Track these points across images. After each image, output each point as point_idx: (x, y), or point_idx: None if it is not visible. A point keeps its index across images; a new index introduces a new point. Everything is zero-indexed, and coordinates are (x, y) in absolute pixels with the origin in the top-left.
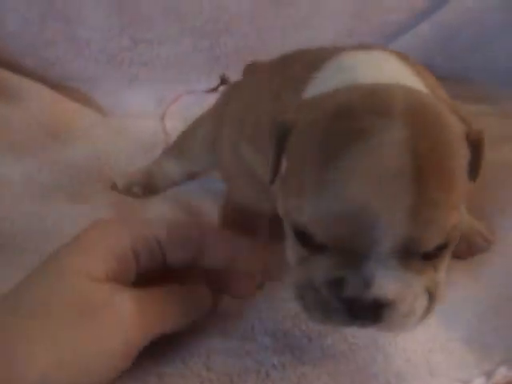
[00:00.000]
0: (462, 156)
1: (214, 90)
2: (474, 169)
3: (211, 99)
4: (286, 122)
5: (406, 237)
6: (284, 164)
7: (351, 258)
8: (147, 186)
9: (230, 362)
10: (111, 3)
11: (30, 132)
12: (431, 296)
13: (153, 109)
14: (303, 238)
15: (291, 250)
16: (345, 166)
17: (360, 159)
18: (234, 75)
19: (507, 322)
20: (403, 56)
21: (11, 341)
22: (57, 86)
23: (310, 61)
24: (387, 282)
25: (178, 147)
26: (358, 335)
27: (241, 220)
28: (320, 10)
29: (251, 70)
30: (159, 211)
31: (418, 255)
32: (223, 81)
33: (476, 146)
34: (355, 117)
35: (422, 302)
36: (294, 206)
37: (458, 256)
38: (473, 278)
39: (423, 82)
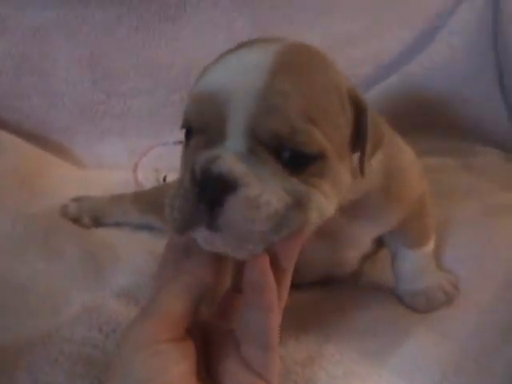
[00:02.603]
0: (335, 95)
1: None
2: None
3: None
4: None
5: (252, 117)
6: None
7: (208, 143)
8: (97, 220)
9: None
10: (84, 57)
11: (4, 185)
12: (301, 206)
13: (125, 160)
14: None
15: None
16: (216, 62)
17: (227, 59)
18: None
19: (468, 381)
20: None
21: None
22: (32, 137)
23: None
24: (232, 160)
25: (148, 203)
26: None
27: None
28: None
29: None
30: (131, 261)
31: (265, 145)
32: None
33: (358, 107)
34: (241, 44)
35: (279, 200)
36: None
37: (416, 310)
38: (437, 333)
39: None
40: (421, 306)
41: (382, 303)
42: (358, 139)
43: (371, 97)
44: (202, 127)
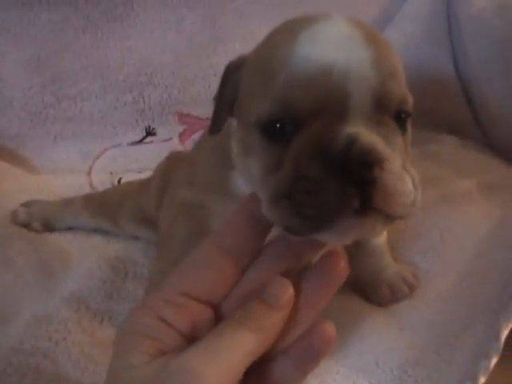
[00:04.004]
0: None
1: (140, 142)
2: None
3: (137, 152)
4: (235, 60)
5: (373, 86)
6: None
7: (330, 125)
8: (47, 224)
9: None
10: (32, 61)
11: None
12: (413, 182)
13: (79, 164)
14: (273, 129)
15: (257, 164)
16: (304, 39)
17: (316, 33)
18: (160, 127)
19: (427, 377)
20: None
21: None
22: None
23: None
24: (370, 136)
25: (99, 206)
26: None
27: None
28: None
29: (174, 157)
30: (83, 266)
31: (389, 113)
32: (149, 133)
33: None
34: (301, 18)
35: (408, 180)
36: (260, 101)
37: (380, 304)
38: (396, 326)
39: None
40: (385, 298)
41: (341, 298)
42: None
43: None
44: (315, 111)
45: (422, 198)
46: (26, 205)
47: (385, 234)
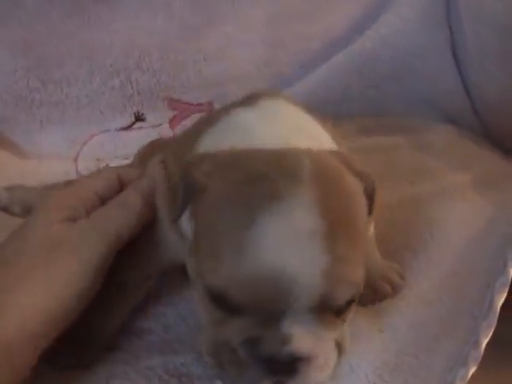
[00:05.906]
0: (362, 209)
1: (129, 127)
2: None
3: (126, 138)
4: (196, 183)
5: (320, 295)
6: (193, 225)
7: (268, 317)
8: (29, 209)
9: None
10: (16, 44)
11: None
12: (340, 348)
13: (66, 150)
14: (219, 300)
15: (204, 311)
16: (259, 230)
17: (274, 223)
18: (149, 112)
19: (404, 382)
20: (295, 102)
21: None
22: None
23: (205, 119)
24: (304, 339)
25: None
26: None
27: None
28: (234, 41)
29: (157, 143)
30: None
31: (331, 311)
32: (138, 118)
33: (371, 195)
34: (266, 181)
35: (334, 356)
36: (208, 269)
37: (362, 303)
38: (375, 327)
39: (328, 132)
40: (367, 298)
41: None
42: None
43: (321, 74)
44: (257, 307)
45: (415, 191)
46: (9, 189)
47: (372, 228)
